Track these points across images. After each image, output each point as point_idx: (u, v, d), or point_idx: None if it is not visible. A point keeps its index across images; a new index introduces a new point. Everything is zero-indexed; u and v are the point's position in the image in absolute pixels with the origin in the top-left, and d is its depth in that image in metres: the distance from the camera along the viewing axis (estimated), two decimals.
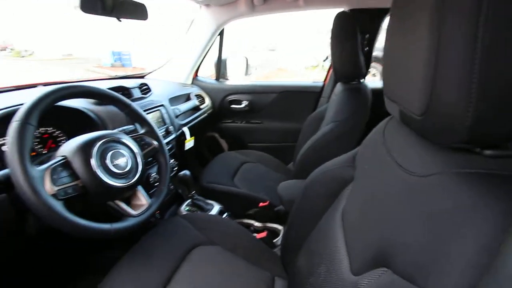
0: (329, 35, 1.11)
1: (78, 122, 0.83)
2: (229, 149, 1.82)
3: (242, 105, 1.66)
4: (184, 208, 1.11)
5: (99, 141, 0.64)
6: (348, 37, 1.04)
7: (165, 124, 1.15)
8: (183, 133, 1.28)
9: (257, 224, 1.12)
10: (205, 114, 1.56)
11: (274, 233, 1.11)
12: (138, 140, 0.79)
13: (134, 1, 1.02)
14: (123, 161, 0.68)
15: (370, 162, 0.53)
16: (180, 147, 1.28)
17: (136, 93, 1.09)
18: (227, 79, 1.74)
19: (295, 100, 1.64)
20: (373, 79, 3.77)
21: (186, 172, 1.07)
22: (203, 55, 1.57)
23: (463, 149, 0.34)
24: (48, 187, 0.53)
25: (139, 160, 0.72)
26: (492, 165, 0.32)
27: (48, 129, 0.80)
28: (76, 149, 0.60)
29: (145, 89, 1.18)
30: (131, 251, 0.72)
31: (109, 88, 0.98)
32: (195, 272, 0.69)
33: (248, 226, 1.13)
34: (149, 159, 0.82)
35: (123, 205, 0.67)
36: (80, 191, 0.59)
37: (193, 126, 1.38)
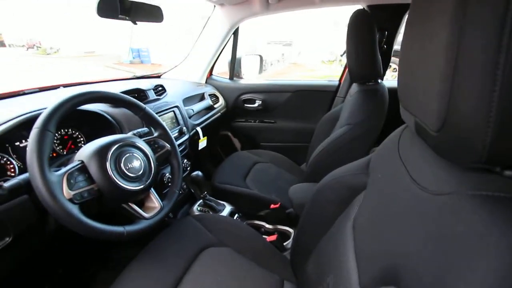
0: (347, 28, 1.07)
1: (96, 124, 0.87)
2: (242, 148, 1.83)
3: (256, 104, 1.66)
4: (196, 208, 1.13)
5: (114, 145, 0.66)
6: (365, 36, 0.99)
7: (178, 124, 1.17)
8: (196, 133, 1.30)
9: (267, 226, 1.12)
10: (219, 114, 1.57)
11: (284, 235, 1.11)
12: (151, 143, 0.81)
13: (150, 4, 1.03)
14: (137, 164, 0.70)
15: (383, 171, 0.51)
16: (193, 147, 1.30)
17: (151, 95, 1.12)
18: (241, 78, 1.74)
19: (310, 100, 1.61)
20: (393, 75, 3.62)
21: (198, 172, 1.09)
22: (218, 54, 1.57)
23: (481, 168, 0.32)
24: (66, 192, 0.55)
25: (152, 163, 0.74)
26: None
27: (68, 131, 0.84)
28: (93, 153, 0.63)
29: (160, 91, 1.20)
30: (144, 251, 0.75)
31: (125, 90, 1.01)
32: (205, 273, 0.70)
33: (259, 227, 1.13)
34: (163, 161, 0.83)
35: (136, 208, 0.69)
36: (96, 195, 0.61)
37: (206, 125, 1.40)
